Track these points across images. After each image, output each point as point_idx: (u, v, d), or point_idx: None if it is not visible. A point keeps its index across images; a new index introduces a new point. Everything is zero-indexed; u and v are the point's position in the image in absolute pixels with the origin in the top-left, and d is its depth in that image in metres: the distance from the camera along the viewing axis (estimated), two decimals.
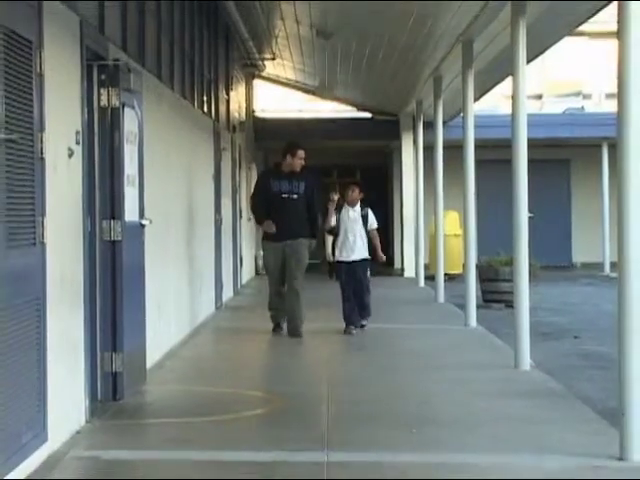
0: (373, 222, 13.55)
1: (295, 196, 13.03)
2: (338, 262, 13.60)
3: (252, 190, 14.35)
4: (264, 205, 13.18)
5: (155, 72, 11.55)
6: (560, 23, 13.72)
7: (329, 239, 21.74)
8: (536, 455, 6.97)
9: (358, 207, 13.49)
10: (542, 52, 15.37)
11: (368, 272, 13.58)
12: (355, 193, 13.48)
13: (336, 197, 23.54)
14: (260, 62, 23.16)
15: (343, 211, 13.44)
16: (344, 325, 13.23)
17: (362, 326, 13.58)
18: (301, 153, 13.17)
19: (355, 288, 13.35)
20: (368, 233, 13.44)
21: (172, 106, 12.56)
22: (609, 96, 32.18)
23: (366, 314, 13.63)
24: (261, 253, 13.77)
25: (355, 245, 13.30)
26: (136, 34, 10.61)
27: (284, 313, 13.16)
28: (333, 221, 13.41)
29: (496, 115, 26.02)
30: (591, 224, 29.47)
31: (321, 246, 20.62)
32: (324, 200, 14.93)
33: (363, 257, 13.39)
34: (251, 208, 14.08)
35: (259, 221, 13.57)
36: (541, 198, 24.82)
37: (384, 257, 13.95)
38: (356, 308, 13.36)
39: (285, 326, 13.16)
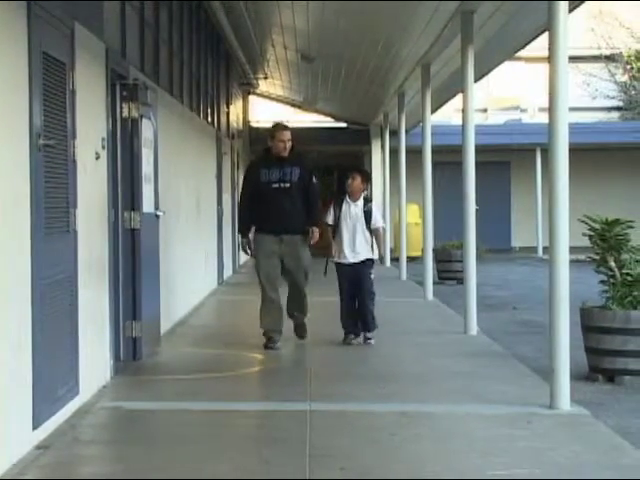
0: (378, 219, 9.91)
1: (287, 185, 9.38)
2: (337, 264, 9.84)
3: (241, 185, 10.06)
4: (249, 212, 9.58)
5: (168, 89, 11.53)
6: (501, 50, 13.75)
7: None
8: (481, 404, 7.02)
9: (361, 202, 9.82)
10: (487, 73, 15.40)
11: (372, 275, 9.87)
12: (357, 182, 9.80)
13: None
14: (255, 81, 23.12)
15: (344, 206, 9.80)
16: (343, 334, 9.86)
17: (367, 339, 9.77)
18: (281, 134, 9.39)
19: (355, 293, 9.79)
20: (371, 231, 9.82)
21: (181, 117, 12.53)
22: (541, 110, 32.26)
23: (370, 326, 9.77)
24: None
25: (356, 245, 9.72)
26: (152, 58, 10.59)
27: (279, 327, 9.57)
28: (330, 218, 9.85)
29: (449, 125, 26.06)
30: (527, 215, 29.54)
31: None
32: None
33: (365, 258, 9.81)
34: (238, 213, 10.39)
35: (240, 232, 9.82)
36: (486, 193, 24.71)
37: (382, 256, 10.07)
38: (354, 315, 9.81)
39: (278, 341, 9.54)
